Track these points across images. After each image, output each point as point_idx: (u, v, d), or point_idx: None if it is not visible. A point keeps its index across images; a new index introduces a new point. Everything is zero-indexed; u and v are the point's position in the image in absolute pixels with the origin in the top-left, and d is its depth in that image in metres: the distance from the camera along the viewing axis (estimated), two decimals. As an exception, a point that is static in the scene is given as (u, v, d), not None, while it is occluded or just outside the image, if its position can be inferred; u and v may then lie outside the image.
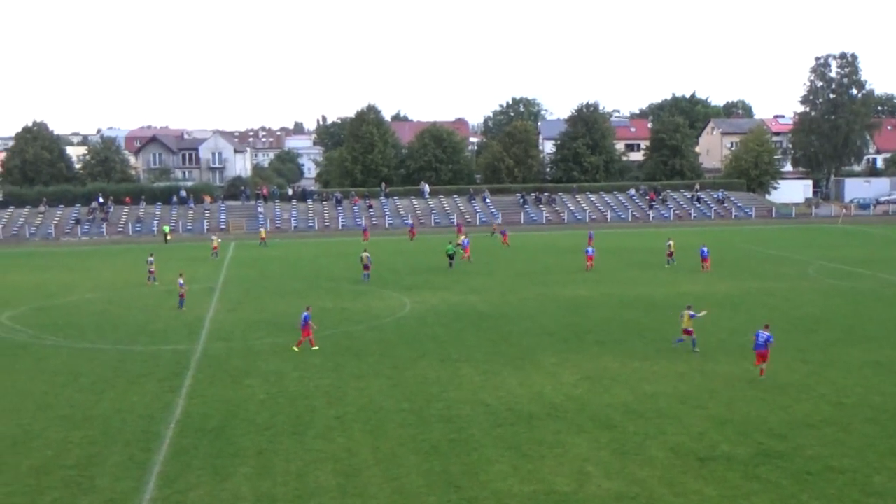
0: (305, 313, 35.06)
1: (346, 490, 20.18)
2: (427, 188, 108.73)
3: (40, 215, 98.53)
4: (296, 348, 34.55)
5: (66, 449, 23.30)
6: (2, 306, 46.91)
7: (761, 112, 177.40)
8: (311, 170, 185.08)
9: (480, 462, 21.75)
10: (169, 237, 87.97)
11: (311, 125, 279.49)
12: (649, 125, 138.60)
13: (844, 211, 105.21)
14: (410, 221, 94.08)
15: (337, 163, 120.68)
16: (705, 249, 58.14)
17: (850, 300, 44.62)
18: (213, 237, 75.81)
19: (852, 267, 56.71)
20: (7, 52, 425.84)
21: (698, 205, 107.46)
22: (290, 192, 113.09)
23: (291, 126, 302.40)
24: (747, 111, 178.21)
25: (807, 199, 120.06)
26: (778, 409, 25.56)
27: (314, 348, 34.60)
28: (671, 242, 60.97)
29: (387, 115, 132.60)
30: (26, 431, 24.89)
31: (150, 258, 56.32)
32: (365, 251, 58.00)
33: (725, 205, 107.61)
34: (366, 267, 54.82)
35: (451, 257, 60.00)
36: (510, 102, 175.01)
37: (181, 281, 45.64)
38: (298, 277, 57.13)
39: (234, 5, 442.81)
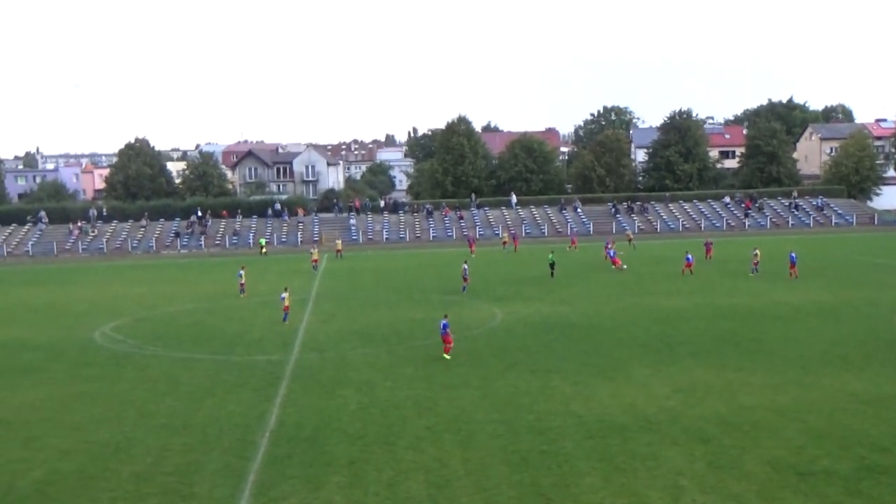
0: (444, 321, 35.43)
1: (437, 500, 20.24)
2: (515, 199, 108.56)
3: (142, 229, 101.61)
4: (446, 356, 34.82)
5: (166, 456, 23.95)
6: (106, 317, 48.51)
7: (862, 116, 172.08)
8: (402, 182, 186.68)
9: (571, 474, 21.57)
10: (265, 250, 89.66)
11: (402, 137, 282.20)
12: (745, 132, 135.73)
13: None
14: (468, 234, 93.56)
15: (428, 174, 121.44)
16: (794, 255, 57.10)
17: (959, 310, 42.85)
18: (312, 250, 75.92)
19: (961, 275, 54.52)
20: (111, 71, 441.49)
21: (796, 212, 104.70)
22: (382, 203, 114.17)
23: (383, 139, 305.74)
24: (847, 115, 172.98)
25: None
26: (881, 422, 24.70)
27: (446, 356, 34.84)
28: (757, 251, 59.54)
29: (477, 126, 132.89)
30: (128, 439, 25.67)
31: (241, 271, 57.23)
32: (465, 262, 58.33)
33: (825, 212, 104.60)
34: (464, 279, 55.01)
35: (552, 266, 59.78)
36: (601, 111, 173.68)
37: (285, 295, 45.69)
38: (390, 289, 57.62)
39: (326, 21, 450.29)
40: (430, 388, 30.40)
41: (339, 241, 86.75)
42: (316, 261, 71.07)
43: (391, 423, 26.41)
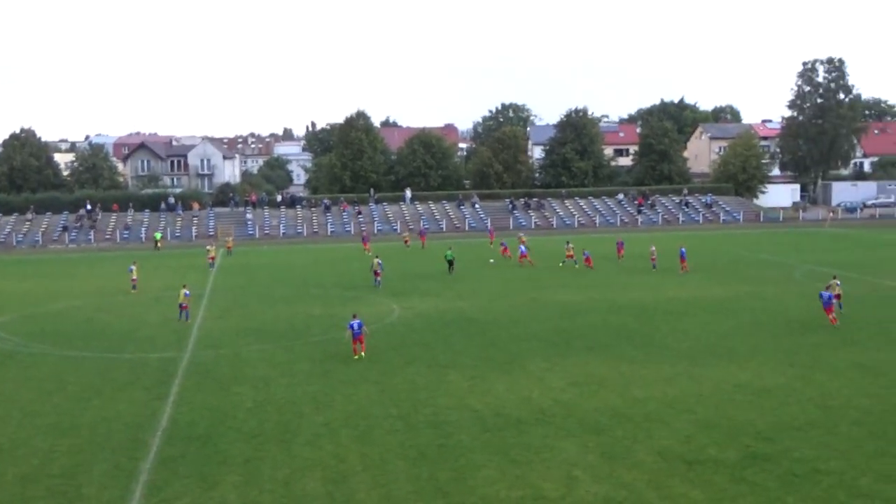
0: (356, 321, 34.15)
1: (335, 497, 20.13)
2: (409, 194, 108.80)
3: (28, 223, 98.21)
4: (360, 355, 33.83)
5: (53, 457, 23.19)
6: (-12, 314, 46.68)
7: (749, 117, 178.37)
8: (300, 176, 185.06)
9: (468, 467, 21.72)
10: (159, 244, 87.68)
11: (300, 131, 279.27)
12: (638, 130, 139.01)
13: (832, 215, 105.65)
14: (364, 231, 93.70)
15: (326, 169, 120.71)
16: (684, 250, 59.44)
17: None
18: (209, 246, 72.50)
19: (839, 270, 56.76)
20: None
21: (687, 209, 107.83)
22: (279, 198, 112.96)
23: (281, 132, 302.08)
24: (735, 116, 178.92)
25: (794, 204, 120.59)
26: (765, 413, 25.61)
27: (355, 357, 33.91)
28: (654, 248, 61.16)
29: (376, 122, 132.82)
30: (12, 440, 24.77)
31: (132, 266, 56.10)
32: (376, 257, 57.88)
33: (714, 209, 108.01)
34: (376, 273, 54.57)
35: (450, 263, 59.99)
36: (499, 108, 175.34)
37: (186, 292, 44.00)
38: (287, 284, 57.03)
39: (223, 10, 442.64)
40: (327, 385, 30.21)
41: (231, 238, 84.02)
42: (213, 258, 68.71)
43: (287, 420, 26.14)
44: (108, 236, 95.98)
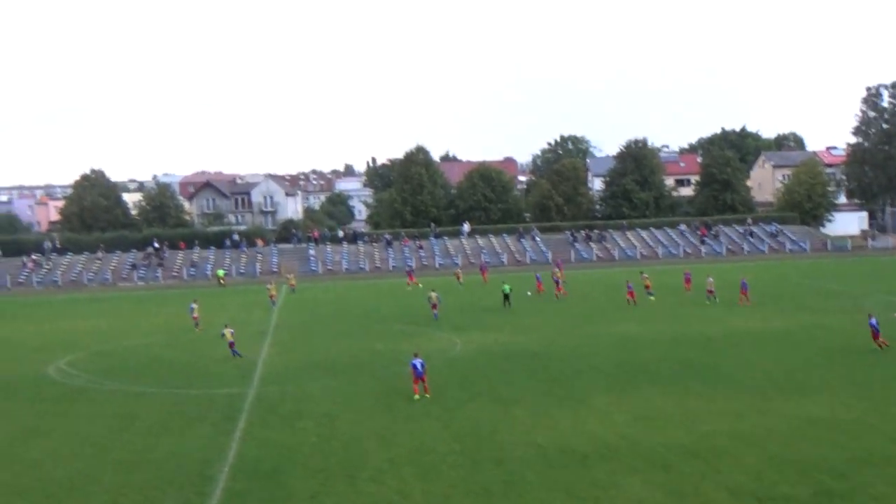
0: (418, 360, 33.29)
1: (399, 533, 20.09)
2: (467, 228, 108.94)
3: (98, 261, 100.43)
4: (420, 395, 32.99)
5: (123, 493, 23.55)
6: (61, 351, 47.73)
7: (813, 144, 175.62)
8: (361, 212, 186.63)
9: (533, 504, 21.55)
10: (223, 281, 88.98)
11: (361, 167, 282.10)
12: (699, 160, 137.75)
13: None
14: (482, 263, 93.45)
15: (387, 204, 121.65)
16: (745, 282, 58.14)
17: (911, 334, 43.64)
18: (269, 285, 71.34)
19: (912, 300, 55.54)
20: (66, 102, 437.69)
21: (751, 239, 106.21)
22: (341, 234, 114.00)
23: (342, 169, 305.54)
24: (799, 143, 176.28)
25: (862, 231, 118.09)
26: (838, 448, 24.98)
27: (416, 397, 33.02)
28: (711, 279, 60.20)
29: (436, 156, 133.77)
30: (84, 475, 25.22)
31: (193, 305, 56.16)
32: (433, 291, 58.10)
33: (779, 238, 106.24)
34: (434, 306, 54.95)
35: (506, 297, 59.51)
36: (558, 140, 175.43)
37: (230, 330, 44.03)
38: (350, 319, 57.40)
39: (283, 52, 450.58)
40: (391, 420, 30.26)
41: (293, 276, 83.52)
42: (273, 296, 67.84)
43: (352, 455, 26.23)
44: (174, 274, 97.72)
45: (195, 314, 55.27)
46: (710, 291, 58.77)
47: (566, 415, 29.98)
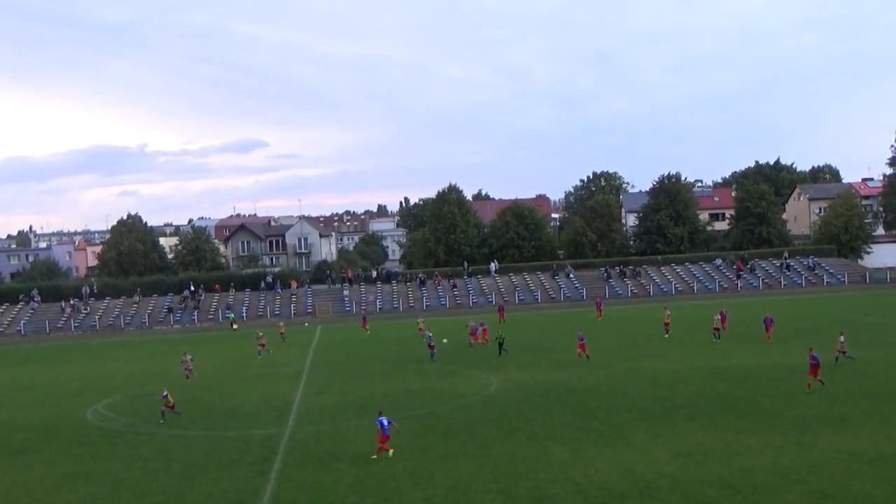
0: (383, 419, 31.21)
1: (436, 574, 19.88)
2: (494, 266, 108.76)
3: (135, 305, 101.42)
4: (388, 453, 30.73)
5: (160, 535, 23.56)
6: (98, 395, 48.11)
7: (849, 176, 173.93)
8: (395, 252, 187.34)
9: (572, 543, 21.24)
10: (235, 326, 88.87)
11: (394, 208, 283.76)
12: (733, 194, 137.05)
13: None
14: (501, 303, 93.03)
15: (420, 244, 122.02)
16: (770, 318, 57.01)
17: (955, 366, 42.83)
18: (260, 332, 67.02)
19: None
20: (104, 146, 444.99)
21: (788, 273, 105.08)
22: (375, 274, 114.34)
23: (375, 209, 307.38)
24: (834, 175, 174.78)
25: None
26: (883, 483, 24.44)
27: (390, 453, 30.71)
28: (720, 315, 59.11)
29: (468, 195, 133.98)
30: (121, 519, 25.27)
31: (187, 357, 53.39)
32: (429, 331, 59.14)
33: (816, 272, 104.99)
34: (431, 346, 55.53)
35: (500, 345, 55.52)
36: (591, 177, 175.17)
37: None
38: (384, 359, 57.33)
39: (312, 91, 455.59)
40: (426, 459, 30.09)
41: (283, 324, 78.87)
42: (263, 344, 62.93)
43: (388, 495, 26.07)
44: (210, 316, 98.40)
45: (188, 366, 52.74)
46: (717, 329, 57.52)
47: (604, 452, 29.65)
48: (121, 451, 34.34)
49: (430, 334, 57.45)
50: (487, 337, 61.60)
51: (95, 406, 45.01)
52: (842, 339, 46.95)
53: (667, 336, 59.33)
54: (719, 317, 58.90)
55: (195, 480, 29.12)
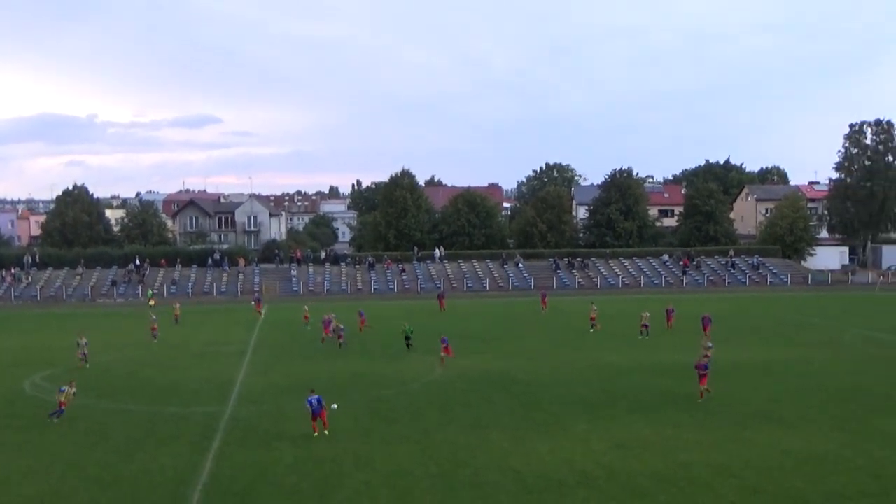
0: (314, 397, 31.36)
1: (372, 557, 19.90)
2: (438, 253, 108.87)
3: (78, 277, 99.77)
4: (315, 433, 31.05)
5: (94, 510, 23.26)
6: (37, 367, 47.32)
7: (796, 178, 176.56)
8: (345, 234, 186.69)
9: (509, 530, 21.39)
10: (152, 302, 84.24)
11: (346, 190, 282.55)
12: (683, 191, 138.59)
13: (882, 278, 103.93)
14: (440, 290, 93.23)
15: (371, 227, 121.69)
16: (708, 316, 57.56)
17: (888, 369, 43.80)
18: (153, 315, 62.52)
19: (890, 335, 55.81)
20: (50, 114, 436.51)
21: (733, 271, 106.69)
22: (324, 255, 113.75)
23: (327, 191, 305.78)
24: (782, 178, 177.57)
25: (843, 266, 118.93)
26: (815, 480, 24.98)
27: (315, 434, 31.02)
28: (647, 314, 58.58)
29: (420, 181, 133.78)
30: (55, 492, 24.92)
31: (81, 340, 48.63)
32: (338, 319, 57.44)
33: (760, 271, 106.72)
34: (338, 335, 54.43)
35: (407, 339, 52.18)
36: (543, 168, 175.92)
37: (65, 388, 35.03)
38: (329, 341, 57.04)
39: (271, 70, 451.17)
40: (368, 442, 30.08)
41: (178, 305, 74.39)
42: (155, 328, 58.85)
43: (327, 477, 26.03)
44: (155, 291, 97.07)
45: (83, 350, 47.94)
46: (645, 326, 57.10)
47: (544, 441, 29.89)
48: (57, 424, 33.80)
49: (342, 326, 55.58)
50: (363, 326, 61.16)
51: (33, 377, 44.26)
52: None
53: (592, 331, 59.53)
54: (648, 314, 58.26)
55: (133, 455, 28.81)
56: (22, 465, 27.94)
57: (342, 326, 55.49)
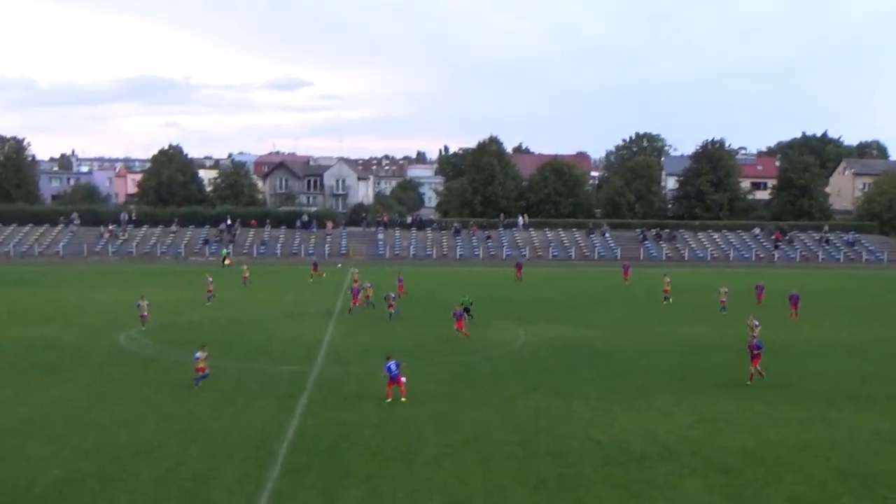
0: (391, 363, 31.17)
1: (453, 519, 20.13)
2: (522, 220, 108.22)
3: (172, 234, 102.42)
4: (389, 399, 30.94)
5: (185, 461, 24.02)
6: (132, 321, 48.70)
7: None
8: (431, 199, 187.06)
9: (588, 499, 21.42)
10: (227, 262, 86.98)
11: (433, 155, 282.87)
12: (777, 164, 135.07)
13: None
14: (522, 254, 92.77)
15: (457, 193, 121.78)
16: (797, 295, 54.39)
17: None
18: (210, 278, 61.81)
19: None
20: (149, 76, 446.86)
21: (827, 247, 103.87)
22: (410, 220, 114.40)
23: (414, 155, 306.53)
24: (882, 152, 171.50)
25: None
26: (906, 464, 24.34)
27: (388, 400, 30.88)
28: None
29: (508, 147, 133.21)
30: (148, 442, 25.79)
31: (142, 302, 47.92)
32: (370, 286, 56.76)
33: (856, 248, 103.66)
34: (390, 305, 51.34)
35: (467, 310, 48.68)
36: (633, 137, 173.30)
37: (200, 354, 33.80)
38: (416, 305, 57.49)
39: (356, 37, 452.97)
40: (450, 407, 30.34)
41: (245, 267, 74.46)
42: (211, 291, 58.96)
43: (410, 439, 26.36)
44: (245, 251, 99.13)
45: (143, 311, 47.49)
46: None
47: (627, 412, 29.73)
48: (151, 377, 34.96)
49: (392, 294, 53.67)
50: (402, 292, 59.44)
51: (129, 331, 45.73)
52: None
53: (664, 303, 58.77)
54: (726, 290, 56.88)
55: (222, 410, 29.61)
56: (118, 415, 28.99)
57: (392, 294, 53.35)
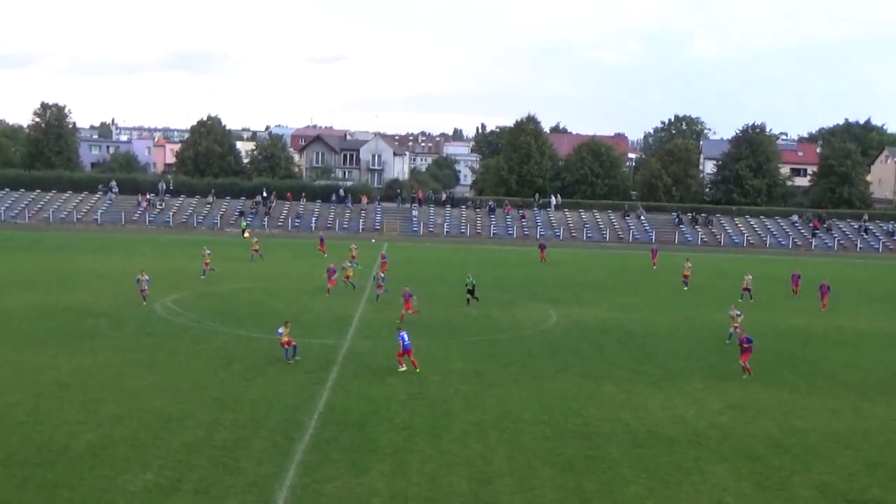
0: (402, 333, 32.29)
1: (479, 497, 20.28)
2: (555, 200, 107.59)
3: (208, 205, 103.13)
4: (403, 368, 31.99)
5: (216, 430, 24.36)
6: (167, 289, 49.34)
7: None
8: (466, 177, 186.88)
9: (616, 482, 21.47)
10: (247, 234, 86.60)
11: (470, 133, 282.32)
12: (818, 150, 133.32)
13: None
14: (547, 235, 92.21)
15: (493, 171, 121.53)
16: (827, 284, 52.62)
17: None
18: (207, 251, 58.48)
19: None
20: (191, 48, 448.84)
21: (866, 236, 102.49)
22: (444, 197, 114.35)
23: (451, 132, 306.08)
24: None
25: None
26: (938, 457, 24.11)
27: (402, 369, 31.93)
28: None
29: (546, 127, 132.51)
30: (181, 409, 26.17)
31: (141, 277, 46.47)
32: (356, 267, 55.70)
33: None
34: (378, 286, 49.39)
35: (470, 292, 48.84)
36: (672, 120, 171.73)
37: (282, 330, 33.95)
38: (447, 283, 57.55)
39: (398, 15, 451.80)
40: (479, 385, 30.47)
41: (256, 240, 72.03)
42: (207, 263, 56.98)
43: (438, 415, 26.52)
44: (280, 224, 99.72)
45: (143, 286, 45.85)
46: (746, 289, 54.41)
47: (657, 396, 29.69)
48: (185, 345, 35.40)
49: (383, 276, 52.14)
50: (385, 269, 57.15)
51: (164, 300, 46.27)
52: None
53: (685, 289, 58.19)
54: (750, 277, 55.33)
55: (253, 381, 29.95)
56: (152, 382, 29.42)
57: (383, 275, 51.99)
